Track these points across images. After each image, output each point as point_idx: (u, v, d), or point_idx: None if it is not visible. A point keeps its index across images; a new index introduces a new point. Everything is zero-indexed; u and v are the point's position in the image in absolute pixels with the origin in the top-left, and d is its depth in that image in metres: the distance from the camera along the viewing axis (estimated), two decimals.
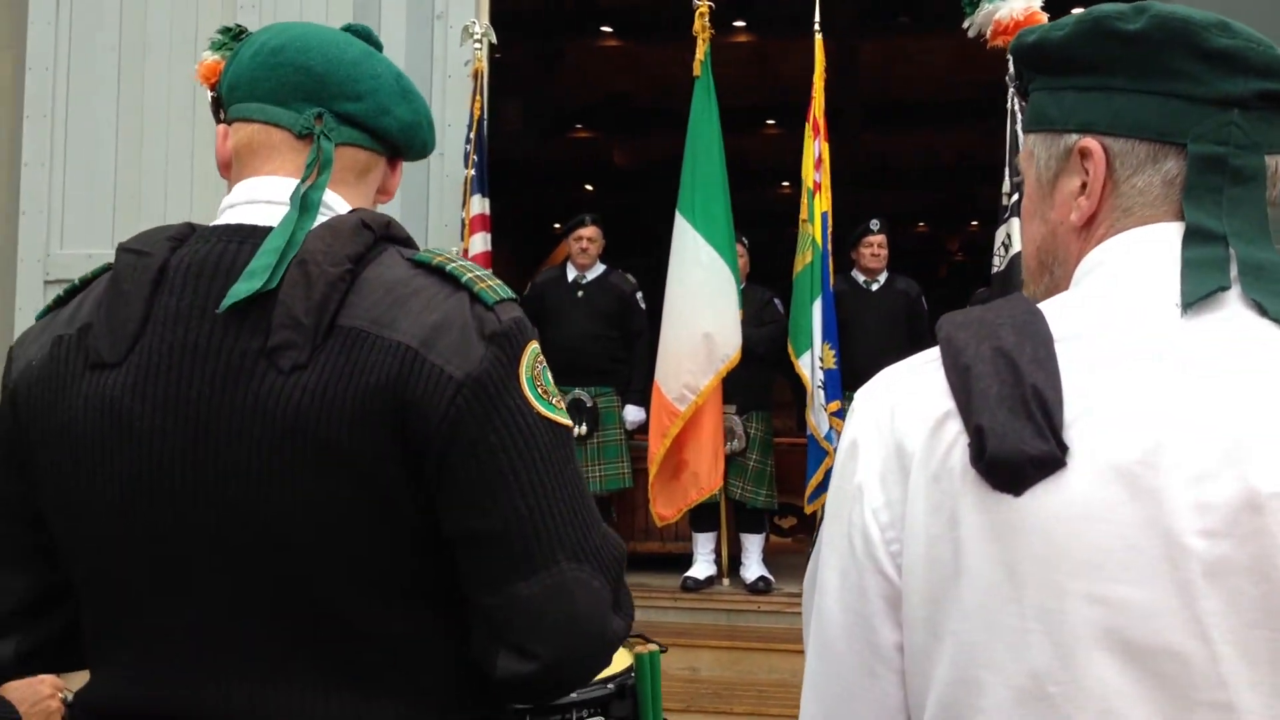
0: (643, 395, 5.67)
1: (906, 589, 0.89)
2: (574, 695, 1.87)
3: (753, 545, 5.72)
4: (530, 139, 10.44)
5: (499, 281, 1.19)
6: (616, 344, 5.79)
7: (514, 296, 1.18)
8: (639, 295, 5.88)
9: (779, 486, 5.82)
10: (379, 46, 1.32)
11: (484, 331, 1.12)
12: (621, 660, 2.04)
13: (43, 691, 1.76)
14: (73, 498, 1.17)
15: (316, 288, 1.11)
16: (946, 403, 0.89)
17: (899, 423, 0.91)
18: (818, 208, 5.22)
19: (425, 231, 5.59)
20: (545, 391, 1.15)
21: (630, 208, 10.59)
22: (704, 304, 5.17)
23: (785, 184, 12.18)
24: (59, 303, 1.27)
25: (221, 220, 1.22)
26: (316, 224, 1.18)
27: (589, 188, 13.09)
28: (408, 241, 1.23)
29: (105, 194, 5.70)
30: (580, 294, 5.81)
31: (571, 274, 5.87)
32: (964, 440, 0.86)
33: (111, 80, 5.69)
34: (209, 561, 1.12)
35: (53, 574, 1.24)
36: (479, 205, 5.37)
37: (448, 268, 1.16)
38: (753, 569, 5.66)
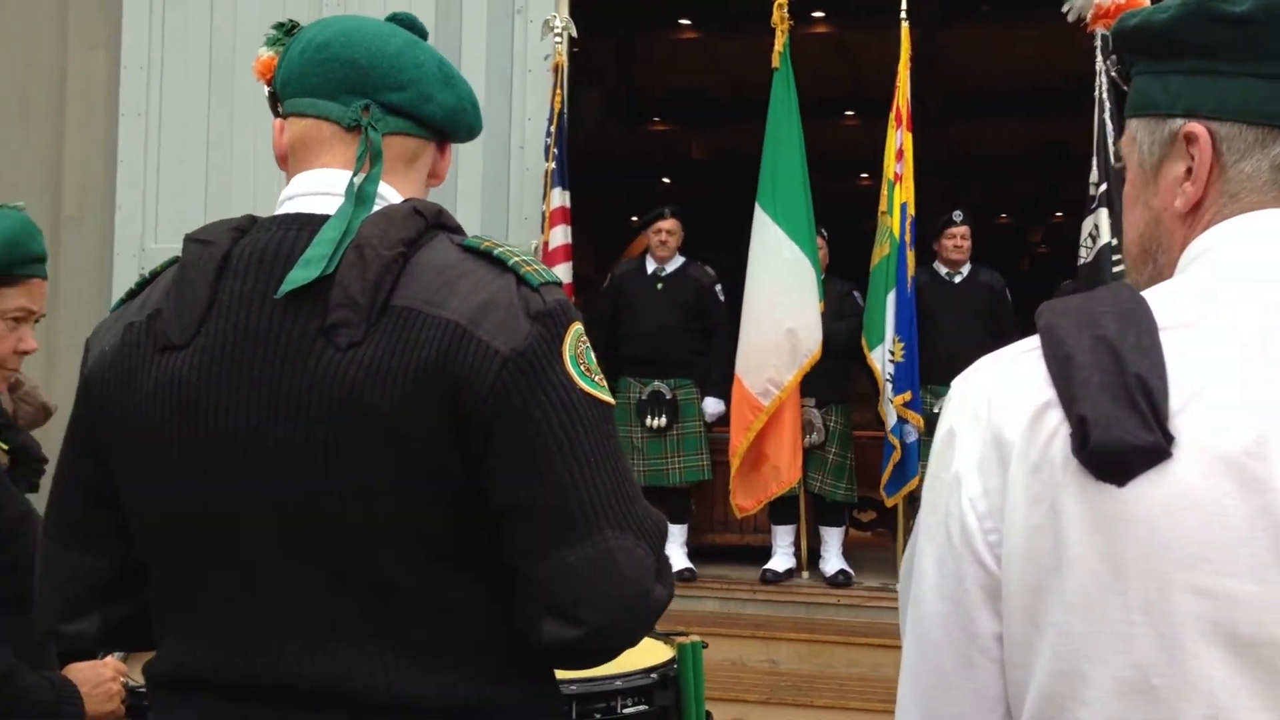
0: (722, 388, 5.67)
1: (1006, 579, 0.89)
2: (618, 684, 1.89)
3: (832, 539, 5.69)
4: (607, 132, 10.47)
5: (544, 265, 1.24)
6: (696, 336, 5.79)
7: (558, 280, 1.24)
8: (718, 287, 5.87)
9: (859, 480, 5.78)
10: (424, 34, 1.35)
11: (529, 311, 1.17)
12: (664, 651, 2.06)
13: (105, 674, 1.82)
14: (141, 475, 1.23)
15: (371, 269, 1.16)
16: (1047, 392, 0.88)
17: (997, 412, 0.91)
18: (898, 199, 5.17)
19: (506, 224, 5.64)
20: (588, 368, 1.19)
21: (707, 200, 10.58)
22: (786, 299, 5.15)
23: (864, 175, 12.07)
24: (131, 295, 1.33)
25: (281, 211, 1.27)
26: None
27: (666, 180, 13.09)
28: (458, 229, 1.28)
29: (196, 190, 5.84)
30: (660, 286, 5.82)
31: (651, 266, 5.88)
32: (1065, 430, 0.86)
33: (202, 79, 5.82)
34: (269, 533, 1.17)
35: (130, 554, 1.30)
36: (559, 198, 5.41)
37: (495, 252, 1.21)
38: (832, 562, 5.64)
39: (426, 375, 1.13)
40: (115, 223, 5.92)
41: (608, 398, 1.21)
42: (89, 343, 1.31)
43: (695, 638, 2.09)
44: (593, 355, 1.22)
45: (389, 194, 1.27)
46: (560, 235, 5.40)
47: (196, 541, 1.21)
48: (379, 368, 1.13)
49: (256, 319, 1.18)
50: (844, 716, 4.59)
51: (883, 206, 5.28)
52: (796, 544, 5.73)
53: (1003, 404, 0.91)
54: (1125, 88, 1.04)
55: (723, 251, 6.66)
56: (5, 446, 1.75)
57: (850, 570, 5.61)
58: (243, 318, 1.19)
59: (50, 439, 1.91)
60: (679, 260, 5.87)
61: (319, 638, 1.17)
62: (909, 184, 5.20)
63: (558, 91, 5.43)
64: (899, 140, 5.21)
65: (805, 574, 5.68)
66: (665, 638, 2.08)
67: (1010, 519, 0.88)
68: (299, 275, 1.16)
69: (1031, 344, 0.93)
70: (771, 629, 5.21)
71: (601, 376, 1.22)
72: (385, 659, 1.16)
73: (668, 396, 5.68)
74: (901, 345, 5.19)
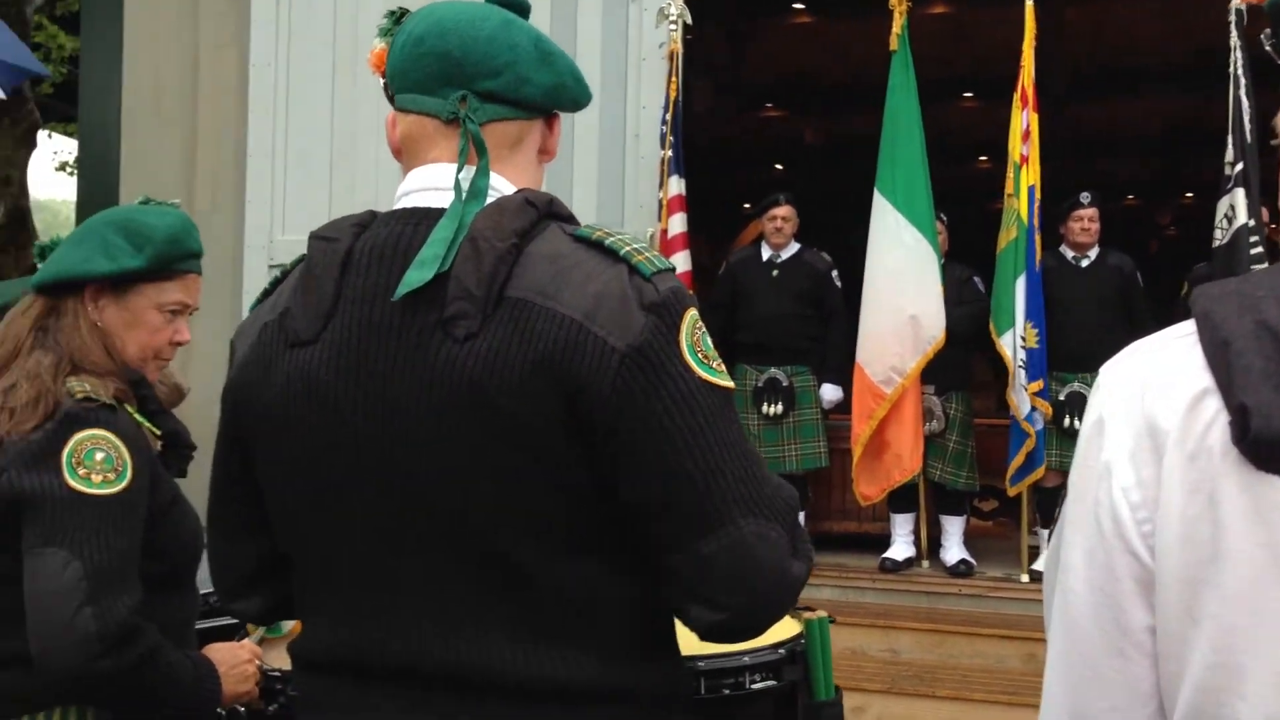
0: (839, 374, 5.62)
1: (1160, 571, 0.87)
2: (746, 659, 1.89)
3: (953, 528, 5.61)
4: (720, 119, 10.43)
5: (656, 253, 1.23)
6: (812, 323, 5.75)
7: (671, 267, 1.23)
8: (834, 274, 5.82)
9: (979, 468, 5.68)
10: (523, 10, 1.35)
11: (643, 301, 1.17)
12: (792, 627, 2.06)
13: (241, 656, 1.88)
14: (278, 468, 1.28)
15: (486, 260, 1.17)
16: (1204, 379, 0.86)
17: (1151, 400, 0.89)
18: (1024, 181, 5.05)
19: (622, 213, 5.67)
20: (705, 356, 1.19)
21: (820, 186, 10.47)
22: (907, 285, 5.08)
23: (983, 158, 11.80)
24: (265, 294, 1.38)
25: (398, 206, 1.29)
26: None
27: (778, 167, 13.00)
28: (570, 219, 1.28)
29: (322, 184, 5.99)
30: (775, 273, 5.79)
31: (766, 253, 5.86)
32: (1224, 418, 0.84)
33: (327, 74, 5.97)
34: (398, 521, 1.20)
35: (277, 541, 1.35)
36: (676, 186, 5.41)
37: (606, 242, 1.21)
38: (953, 551, 5.55)
39: (543, 370, 1.14)
40: (245, 215, 6.11)
41: (727, 383, 1.21)
42: (233, 343, 1.36)
43: (822, 613, 2.08)
44: (709, 340, 1.22)
45: (499, 184, 1.28)
46: (678, 223, 5.40)
47: (330, 530, 1.25)
48: (496, 359, 1.15)
49: (379, 314, 1.21)
50: (966, 708, 4.52)
51: (1009, 189, 5.16)
52: (916, 532, 5.66)
53: (1157, 391, 0.89)
54: None
55: (836, 238, 6.59)
56: (158, 432, 1.82)
57: (972, 560, 5.52)
58: (365, 313, 1.22)
59: (186, 420, 2.00)
60: (794, 247, 5.83)
61: (453, 623, 1.19)
62: (1035, 166, 5.08)
63: (673, 79, 5.43)
64: (1025, 121, 5.09)
65: (925, 563, 5.61)
66: (793, 612, 2.08)
67: (1165, 509, 0.87)
68: (414, 277, 1.18)
69: (1185, 329, 0.91)
70: (892, 618, 5.16)
71: (719, 361, 1.21)
72: (515, 644, 1.18)
73: (784, 384, 5.66)
74: (1035, 331, 5.08)
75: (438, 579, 1.20)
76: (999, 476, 5.57)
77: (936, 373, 5.35)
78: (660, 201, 5.44)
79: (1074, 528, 0.94)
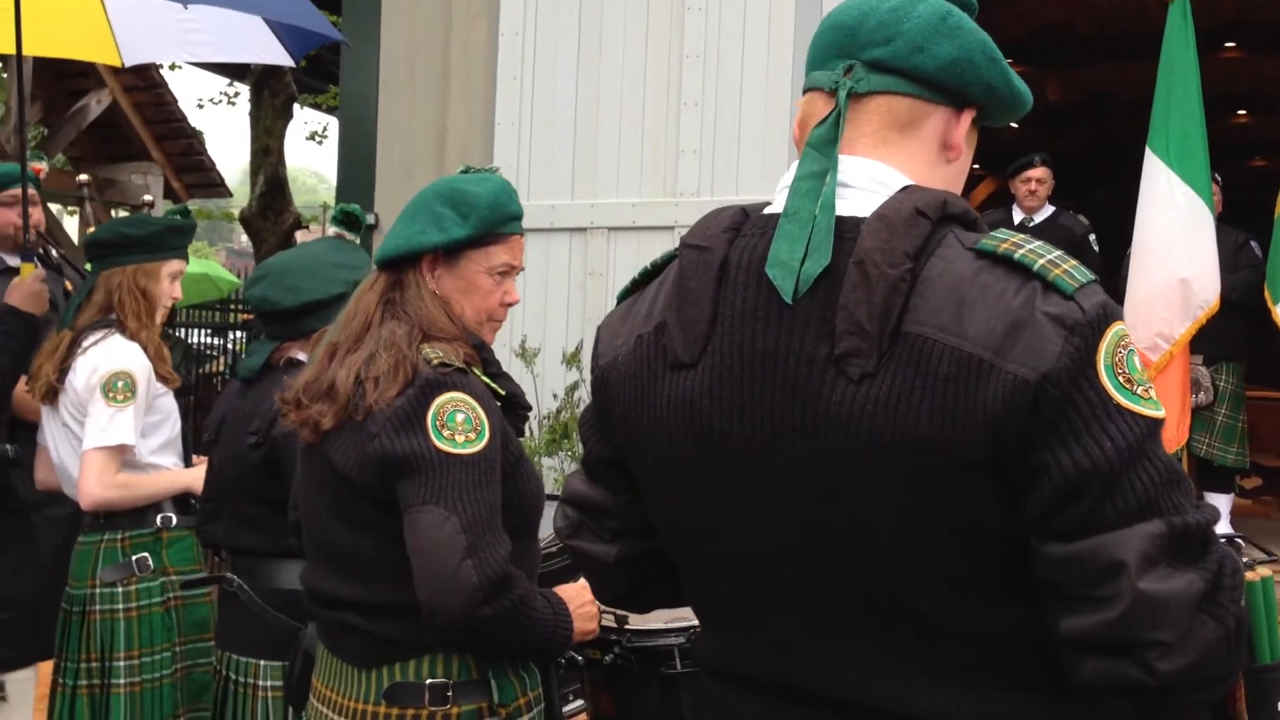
0: None
1: None
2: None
3: (1220, 504, 5.32)
4: None
5: (1075, 263, 1.10)
6: None
7: (1094, 279, 1.10)
8: (1092, 237, 5.58)
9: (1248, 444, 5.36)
10: None
11: (1065, 323, 1.05)
12: None
13: (586, 595, 1.95)
14: (659, 486, 1.27)
15: (877, 291, 1.08)
16: None
17: None
18: None
19: None
20: (1128, 380, 1.07)
21: (1063, 145, 10.03)
22: (1178, 247, 4.81)
23: (1241, 112, 11.05)
24: (635, 285, 1.35)
25: (775, 202, 1.23)
26: (870, 211, 1.14)
27: (1014, 125, 12.51)
28: (967, 219, 1.16)
29: (565, 151, 6.10)
30: None
31: (1018, 216, 5.66)
32: None
33: (572, 46, 6.07)
34: (793, 557, 1.17)
35: (642, 524, 1.36)
36: None
37: (1015, 256, 1.09)
38: (1220, 529, 5.25)
39: (949, 415, 1.06)
40: None
41: (1151, 411, 1.07)
42: (599, 334, 1.35)
43: (1265, 572, 1.99)
44: (1136, 360, 1.09)
45: (882, 173, 1.18)
46: None
47: (718, 558, 1.24)
48: (897, 404, 1.07)
49: (762, 339, 1.15)
50: None
51: None
52: None
53: None
54: None
55: (1082, 198, 6.30)
56: (501, 393, 1.90)
57: (1241, 540, 5.21)
58: (747, 338, 1.16)
59: None
60: (1048, 210, 5.62)
61: (859, 656, 1.16)
62: None
63: None
64: None
65: None
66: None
67: None
68: (785, 286, 1.13)
69: None
70: None
71: (1146, 386, 1.08)
72: (923, 682, 1.14)
73: None
74: None
75: (839, 613, 1.16)
76: (1267, 453, 5.24)
77: (1206, 342, 5.05)
78: None
79: None
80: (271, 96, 10.83)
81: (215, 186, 12.43)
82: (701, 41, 5.59)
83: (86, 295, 3.01)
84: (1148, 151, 4.95)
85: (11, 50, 3.29)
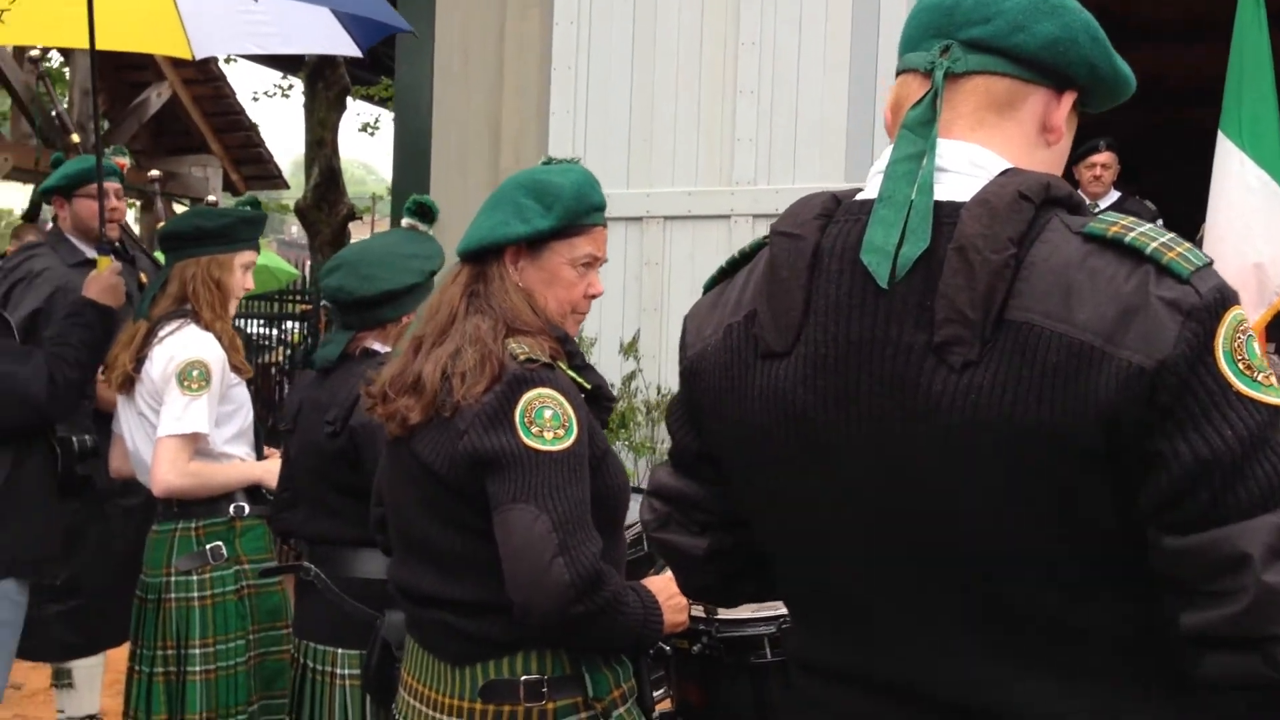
0: None
1: None
2: None
3: None
4: None
5: (1189, 246, 1.06)
6: None
7: (1209, 261, 1.06)
8: (1159, 222, 5.46)
9: None
10: None
11: (1181, 308, 1.02)
12: None
13: (673, 588, 1.92)
14: (749, 477, 1.25)
15: (979, 277, 1.06)
16: None
17: None
18: None
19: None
20: (1247, 367, 1.03)
21: (1124, 129, 9.86)
22: (1254, 231, 4.70)
23: None
24: (723, 274, 1.33)
25: (868, 188, 1.21)
26: (968, 196, 1.12)
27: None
28: (1071, 202, 1.13)
29: (620, 140, 6.08)
30: None
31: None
32: None
33: (626, 36, 6.05)
34: (890, 549, 1.14)
35: (731, 512, 1.34)
36: None
37: (1126, 239, 1.05)
38: None
39: (1058, 404, 1.03)
40: None
41: (1273, 399, 1.03)
42: (687, 324, 1.34)
43: None
44: (1255, 346, 1.05)
45: (979, 155, 1.16)
46: None
47: (812, 549, 1.22)
48: (1001, 393, 1.05)
49: (858, 329, 1.13)
50: None
51: None
52: None
53: None
54: None
55: (1142, 184, 6.20)
56: (587, 386, 1.89)
57: None
58: (842, 328, 1.14)
59: None
60: (1113, 195, 5.53)
61: (956, 648, 1.14)
62: None
63: None
64: None
65: None
66: None
67: None
68: (881, 272, 1.11)
69: None
70: None
71: (1267, 373, 1.04)
72: (1022, 679, 1.11)
73: None
74: None
75: (938, 605, 1.14)
76: None
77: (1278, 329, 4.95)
78: None
79: None
80: (326, 89, 10.90)
81: (273, 178, 12.58)
82: (758, 29, 5.56)
83: (161, 286, 3.04)
84: (1220, 135, 4.85)
85: (82, 44, 3.32)
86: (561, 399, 1.79)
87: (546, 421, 1.76)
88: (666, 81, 5.88)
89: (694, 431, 1.34)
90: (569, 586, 1.69)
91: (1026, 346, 1.04)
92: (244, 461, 3.08)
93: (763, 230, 1.30)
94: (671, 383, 5.50)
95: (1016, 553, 1.09)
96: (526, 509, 1.71)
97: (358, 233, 13.26)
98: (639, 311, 5.60)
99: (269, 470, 2.99)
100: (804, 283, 1.17)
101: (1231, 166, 4.79)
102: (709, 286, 1.35)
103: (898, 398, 1.10)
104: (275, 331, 10.32)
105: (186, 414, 2.90)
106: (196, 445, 2.95)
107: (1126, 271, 1.05)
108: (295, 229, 15.76)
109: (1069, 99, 1.21)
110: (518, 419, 1.75)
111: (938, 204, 1.12)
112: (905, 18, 1.26)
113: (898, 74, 1.24)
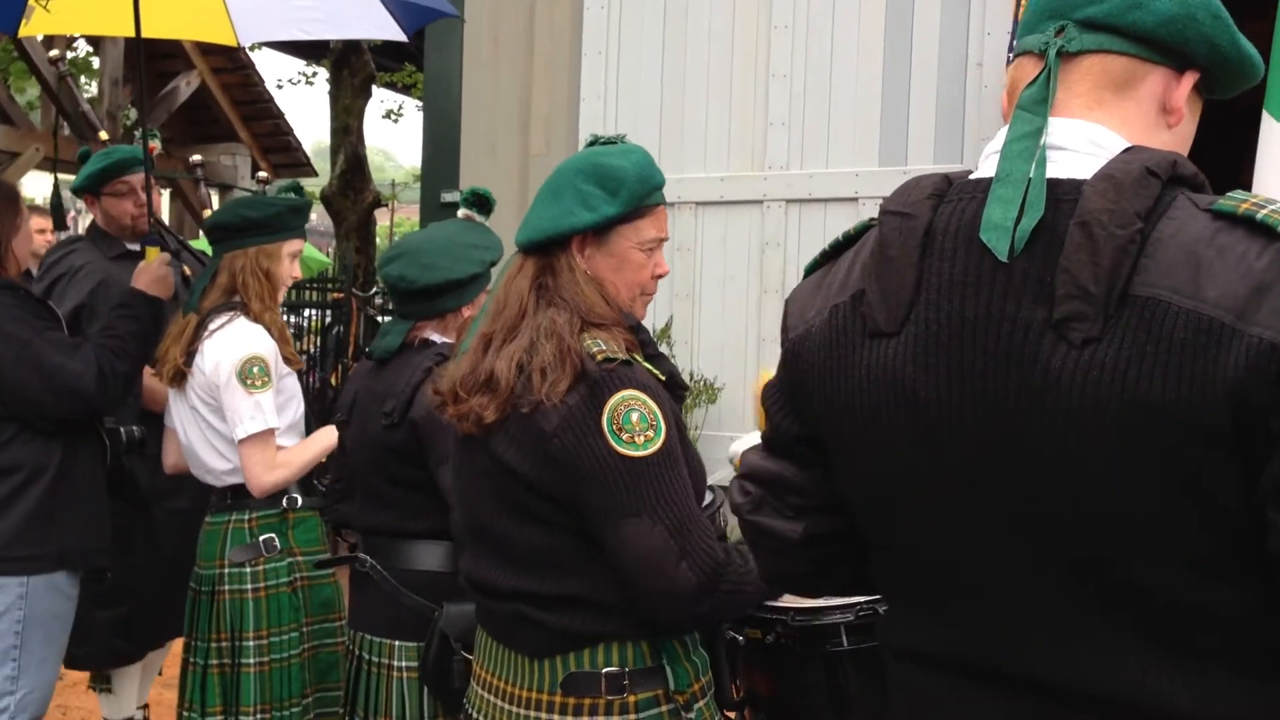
0: None
1: None
2: None
3: None
4: None
5: None
6: None
7: None
8: None
9: None
10: None
11: None
12: None
13: None
14: (856, 458, 1.23)
15: (1104, 253, 1.04)
16: None
17: None
18: None
19: (961, 145, 5.46)
20: None
21: None
22: None
23: None
24: (826, 257, 1.32)
25: (981, 168, 1.19)
26: (1089, 174, 1.10)
27: None
28: (1196, 181, 1.11)
29: (651, 125, 6.05)
30: None
31: None
32: None
33: (658, 20, 6.01)
34: (1002, 530, 1.12)
35: (833, 499, 1.32)
36: None
37: (1258, 216, 1.04)
38: None
39: (1184, 381, 1.01)
40: None
41: None
42: (788, 308, 1.32)
43: None
44: None
45: (1098, 134, 1.15)
46: None
47: (920, 529, 1.20)
48: (1125, 370, 1.03)
49: (972, 306, 1.11)
50: None
51: None
52: None
53: None
54: None
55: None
56: (661, 376, 1.85)
57: None
58: (956, 306, 1.12)
59: None
60: None
61: (1070, 634, 1.12)
62: None
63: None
64: None
65: None
66: None
67: None
68: (1000, 247, 1.09)
69: None
70: None
71: None
72: (1141, 665, 1.09)
73: None
74: None
75: (1052, 588, 1.12)
76: None
77: None
78: None
79: None
80: (351, 76, 10.88)
81: (301, 166, 12.57)
82: (790, 12, 5.51)
83: (210, 278, 3.03)
84: (1264, 115, 4.79)
85: (126, 32, 3.31)
86: (645, 397, 1.76)
87: (635, 426, 1.73)
88: (698, 65, 5.84)
89: (793, 413, 1.32)
90: (698, 587, 1.70)
91: (1152, 323, 1.03)
92: (313, 436, 3.08)
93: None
94: (705, 368, 5.49)
95: (1141, 533, 1.07)
96: (639, 522, 1.70)
97: (378, 219, 13.23)
98: (671, 298, 5.58)
99: (333, 430, 2.97)
100: (915, 261, 1.16)
101: (1274, 147, 4.72)
102: (810, 270, 1.34)
103: (1014, 375, 1.08)
104: (296, 320, 10.30)
105: (259, 412, 2.90)
106: (274, 439, 2.96)
107: (1258, 249, 1.03)
108: (315, 216, 15.74)
109: (1189, 79, 1.20)
110: (606, 428, 1.72)
111: (1057, 181, 1.12)
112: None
113: (1014, 57, 1.23)
